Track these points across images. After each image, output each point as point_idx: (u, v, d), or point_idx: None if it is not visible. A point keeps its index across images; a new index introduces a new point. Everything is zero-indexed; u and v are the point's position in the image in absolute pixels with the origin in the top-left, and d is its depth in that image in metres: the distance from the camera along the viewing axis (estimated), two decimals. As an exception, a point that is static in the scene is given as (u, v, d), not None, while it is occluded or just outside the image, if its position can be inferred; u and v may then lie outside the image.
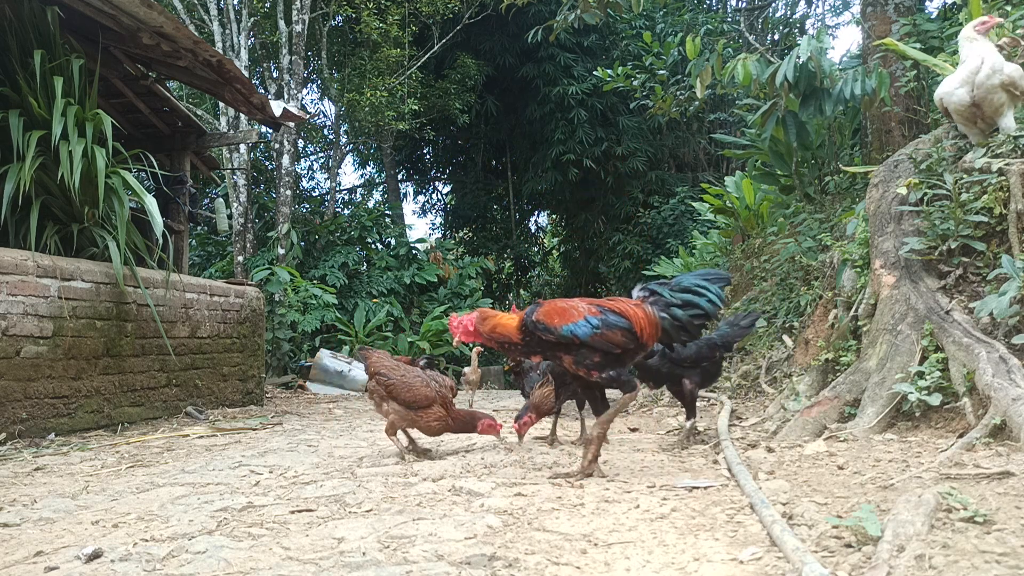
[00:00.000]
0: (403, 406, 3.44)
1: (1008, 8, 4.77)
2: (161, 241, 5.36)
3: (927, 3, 7.74)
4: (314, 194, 19.43)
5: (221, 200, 10.88)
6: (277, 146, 12.92)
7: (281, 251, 11.67)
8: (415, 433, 3.78)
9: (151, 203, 5.14)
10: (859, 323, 3.90)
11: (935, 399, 3.08)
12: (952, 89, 3.67)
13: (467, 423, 3.55)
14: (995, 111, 3.57)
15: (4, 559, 1.98)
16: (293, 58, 12.10)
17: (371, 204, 18.82)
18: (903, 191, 3.89)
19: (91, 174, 4.80)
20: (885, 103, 5.55)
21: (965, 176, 3.59)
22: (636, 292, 2.92)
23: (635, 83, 8.36)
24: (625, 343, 2.74)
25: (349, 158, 19.76)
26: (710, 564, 1.75)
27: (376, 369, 3.54)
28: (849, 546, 1.76)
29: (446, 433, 3.62)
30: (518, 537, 2.05)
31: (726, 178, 8.60)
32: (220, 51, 10.35)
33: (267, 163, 16.41)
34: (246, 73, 11.65)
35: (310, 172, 20.93)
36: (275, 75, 13.78)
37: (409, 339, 11.42)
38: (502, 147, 18.71)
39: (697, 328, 2.84)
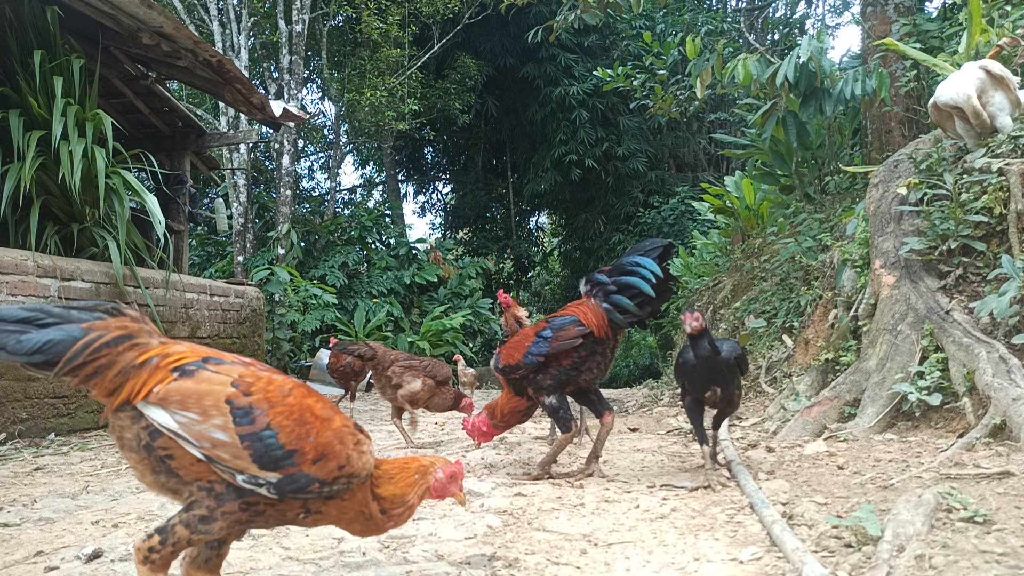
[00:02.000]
0: (437, 383, 4.00)
1: (1008, 8, 4.77)
2: (162, 241, 5.36)
3: (927, 3, 7.72)
4: (314, 194, 19.43)
5: (221, 200, 10.87)
6: (277, 146, 12.92)
7: (281, 251, 11.67)
8: (414, 434, 3.80)
9: (152, 202, 5.14)
10: (859, 323, 3.90)
11: (935, 399, 3.08)
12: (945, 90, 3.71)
13: (456, 400, 4.13)
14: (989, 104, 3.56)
15: (4, 559, 1.97)
16: (293, 58, 12.10)
17: (371, 204, 18.81)
18: (903, 191, 3.88)
19: (91, 174, 4.79)
20: (885, 103, 5.55)
21: (965, 176, 3.59)
22: (582, 286, 2.90)
23: (635, 83, 8.35)
24: (581, 332, 2.73)
25: (349, 158, 19.78)
26: (710, 564, 1.75)
27: (394, 358, 4.09)
28: (849, 546, 1.76)
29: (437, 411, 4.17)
30: (518, 537, 2.05)
31: (726, 178, 8.58)
32: (220, 51, 10.32)
33: (267, 163, 16.41)
34: (246, 73, 11.65)
35: (310, 172, 20.95)
36: (275, 75, 13.78)
37: (409, 339, 11.41)
38: (502, 147, 18.70)
39: (643, 307, 2.74)
